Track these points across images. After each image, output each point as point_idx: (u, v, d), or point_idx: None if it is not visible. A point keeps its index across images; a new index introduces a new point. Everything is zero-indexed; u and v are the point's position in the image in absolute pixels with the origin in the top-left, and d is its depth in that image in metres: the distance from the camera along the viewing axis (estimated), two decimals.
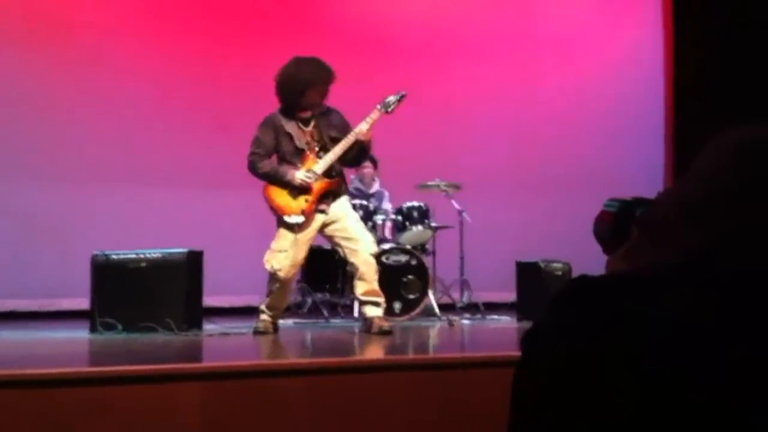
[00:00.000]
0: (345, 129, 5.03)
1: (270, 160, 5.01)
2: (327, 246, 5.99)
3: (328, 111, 5.08)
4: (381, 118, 5.01)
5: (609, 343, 0.93)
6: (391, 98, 5.06)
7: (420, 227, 6.39)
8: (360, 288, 4.98)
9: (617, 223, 1.21)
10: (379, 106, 5.03)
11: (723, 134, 1.03)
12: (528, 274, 6.11)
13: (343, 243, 5.00)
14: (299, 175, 4.90)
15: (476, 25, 8.22)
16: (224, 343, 4.69)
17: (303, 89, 4.91)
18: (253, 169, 4.97)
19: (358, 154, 5.11)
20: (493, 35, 8.28)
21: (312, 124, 5.02)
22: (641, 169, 8.06)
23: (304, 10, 7.76)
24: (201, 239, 5.90)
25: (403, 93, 5.09)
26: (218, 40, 7.45)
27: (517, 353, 1.06)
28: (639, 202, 1.23)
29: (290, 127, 4.98)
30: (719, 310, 0.92)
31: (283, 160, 5.00)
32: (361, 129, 4.93)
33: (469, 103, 8.05)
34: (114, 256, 5.20)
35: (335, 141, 5.00)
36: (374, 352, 4.30)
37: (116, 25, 7.27)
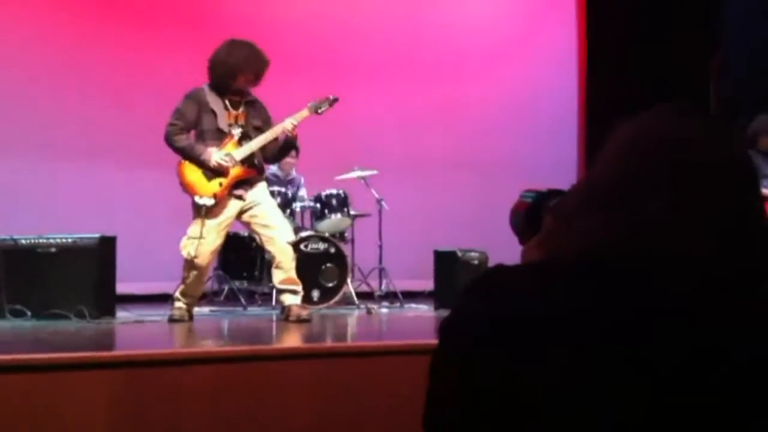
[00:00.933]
0: (268, 122, 5.01)
1: (188, 134, 4.88)
2: (245, 233, 5.92)
3: (255, 101, 5.03)
4: (309, 118, 5.03)
5: (518, 330, 0.95)
6: (323, 100, 5.10)
7: (339, 215, 6.37)
8: (277, 276, 4.94)
9: (532, 214, 1.23)
10: (310, 105, 5.05)
11: (618, 127, 1.06)
12: (445, 262, 6.17)
13: (260, 230, 4.94)
14: (216, 157, 4.80)
15: (401, 20, 8.24)
16: (137, 331, 4.59)
17: (234, 73, 4.82)
18: (169, 140, 4.82)
19: (281, 150, 5.11)
20: (417, 30, 8.31)
21: (240, 108, 4.94)
22: (556, 162, 8.21)
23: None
24: (114, 224, 5.77)
25: (336, 97, 5.14)
26: (120, 18, 7.25)
27: (434, 341, 1.06)
28: (554, 193, 1.25)
29: (216, 105, 4.88)
30: (604, 296, 0.94)
31: (201, 137, 4.88)
32: (286, 126, 4.89)
33: (389, 94, 8.06)
34: (23, 241, 5.04)
35: (258, 131, 4.95)
36: (292, 340, 4.28)
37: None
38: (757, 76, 8.29)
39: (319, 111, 5.08)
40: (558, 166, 8.07)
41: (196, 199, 4.78)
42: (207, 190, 4.80)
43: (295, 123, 4.93)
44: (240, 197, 4.90)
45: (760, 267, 0.96)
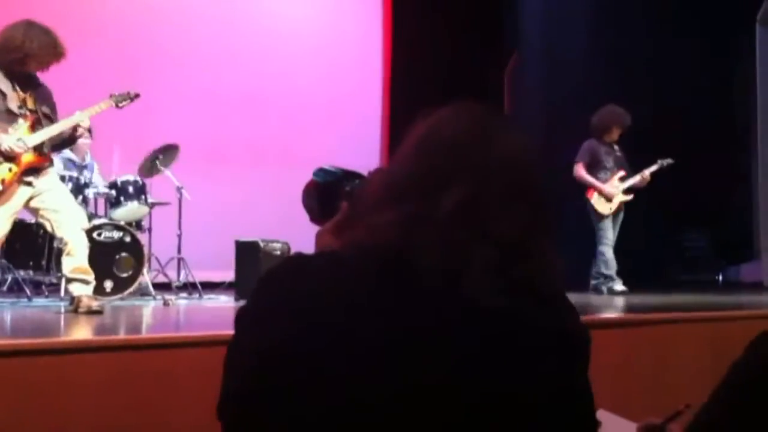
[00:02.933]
0: (54, 109, 4.79)
1: None
2: (31, 219, 5.59)
3: (42, 86, 4.77)
4: (107, 110, 4.91)
5: (308, 319, 0.96)
6: (125, 95, 5.00)
7: (135, 203, 6.15)
8: (67, 264, 4.70)
9: (324, 193, 1.24)
10: (110, 99, 4.93)
11: (414, 124, 1.10)
12: (247, 253, 6.11)
13: (50, 216, 4.67)
14: (8, 142, 4.48)
15: (212, 7, 8.08)
16: None
17: (26, 59, 4.55)
18: None
19: (66, 142, 4.93)
20: (227, 19, 8.18)
21: (28, 91, 4.66)
22: (361, 157, 8.37)
23: None
24: None
25: (138, 93, 5.05)
26: None
27: (231, 332, 1.05)
28: (346, 175, 1.26)
29: (4, 85, 4.57)
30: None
31: None
32: (82, 121, 4.72)
33: (196, 80, 7.89)
34: None
35: (47, 117, 4.70)
36: (82, 332, 4.07)
37: None
38: (549, 77, 8.87)
39: (119, 105, 5.00)
40: (362, 157, 8.23)
41: None
42: None
43: (93, 114, 4.80)
44: (30, 184, 4.62)
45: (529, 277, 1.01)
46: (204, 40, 8.01)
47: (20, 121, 4.60)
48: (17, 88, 4.62)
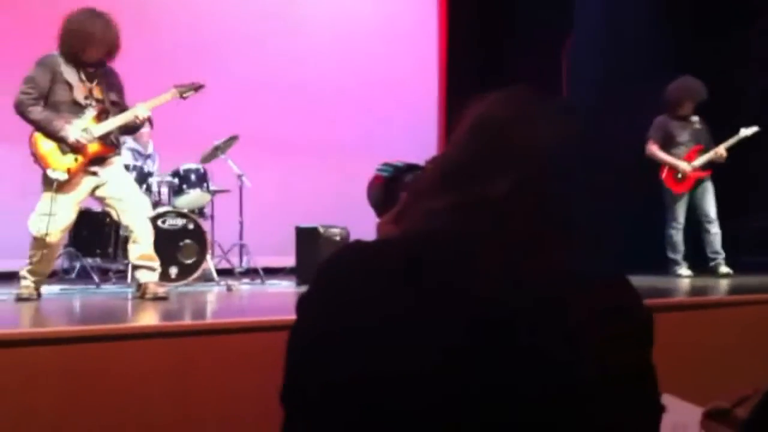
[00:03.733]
0: (121, 93, 4.85)
1: (42, 105, 4.60)
2: (97, 208, 5.72)
3: (109, 72, 4.83)
4: (172, 101, 4.97)
5: (370, 306, 0.96)
6: (189, 86, 5.03)
7: (198, 190, 6.25)
8: (134, 252, 4.79)
9: (388, 187, 1.24)
10: (174, 90, 4.97)
11: (468, 108, 1.09)
12: (307, 238, 6.17)
13: (115, 204, 4.77)
14: (75, 134, 4.58)
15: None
16: None
17: (86, 46, 4.60)
18: (22, 110, 4.54)
19: (131, 129, 4.98)
20: (278, 10, 8.22)
21: (95, 81, 4.73)
22: (418, 141, 8.36)
23: None
24: None
25: (202, 84, 5.08)
26: None
27: (293, 317, 1.06)
28: (409, 168, 1.27)
29: (70, 75, 4.64)
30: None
31: (54, 108, 4.61)
32: (142, 113, 4.77)
33: (255, 70, 7.95)
34: None
35: (114, 106, 4.78)
36: (148, 318, 4.16)
37: None
38: (600, 56, 8.70)
39: (184, 96, 5.03)
40: (420, 146, 8.22)
41: (49, 172, 4.56)
42: (61, 164, 4.58)
43: (157, 104, 4.86)
44: (95, 173, 4.72)
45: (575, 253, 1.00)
46: (263, 30, 8.06)
47: (87, 111, 4.69)
48: (83, 77, 4.69)
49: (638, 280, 1.07)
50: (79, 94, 4.67)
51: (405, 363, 0.92)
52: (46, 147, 4.58)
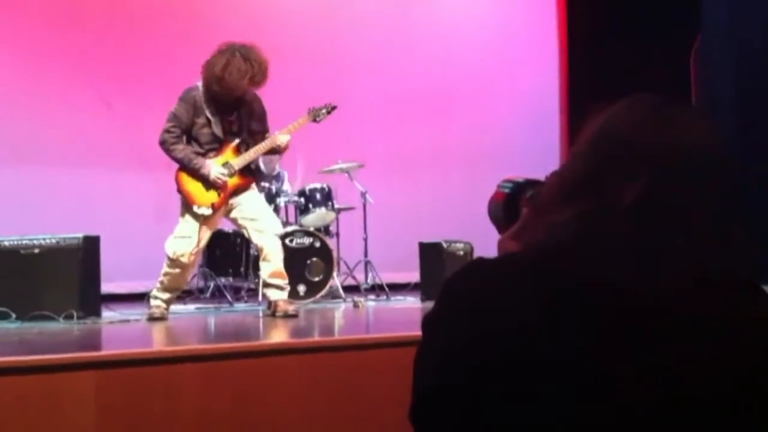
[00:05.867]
0: (263, 120, 4.94)
1: (184, 142, 4.79)
2: (229, 229, 5.91)
3: (252, 97, 4.91)
4: (306, 125, 5.05)
5: (496, 323, 0.96)
6: (322, 108, 5.11)
7: (323, 209, 6.36)
8: (266, 269, 4.90)
9: (510, 204, 1.24)
10: (308, 113, 5.08)
11: (588, 119, 1.07)
12: (431, 254, 6.18)
13: (247, 224, 4.91)
14: (215, 172, 4.75)
15: (389, 13, 8.23)
16: (124, 331, 4.57)
17: (226, 89, 4.69)
18: (165, 147, 4.73)
19: (281, 150, 5.05)
20: (403, 24, 8.30)
21: (234, 113, 4.86)
22: (541, 154, 8.25)
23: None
24: (98, 223, 5.73)
25: (335, 105, 5.15)
26: (103, 23, 7.20)
27: (419, 332, 1.07)
28: (530, 183, 1.26)
29: (210, 110, 4.77)
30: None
31: (196, 141, 4.80)
32: (282, 141, 4.86)
33: (372, 86, 8.05)
34: (6, 243, 4.98)
35: (254, 134, 4.89)
36: (279, 335, 4.27)
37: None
38: (739, 55, 8.32)
39: (318, 119, 5.12)
40: (542, 158, 8.11)
41: (195, 208, 4.76)
42: (205, 199, 4.78)
43: (294, 130, 4.95)
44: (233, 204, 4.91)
45: (729, 264, 0.96)
46: (381, 44, 8.14)
47: (226, 144, 4.84)
48: (223, 112, 4.82)
49: None
50: (218, 129, 4.81)
51: (558, 377, 0.91)
52: (191, 185, 4.78)
